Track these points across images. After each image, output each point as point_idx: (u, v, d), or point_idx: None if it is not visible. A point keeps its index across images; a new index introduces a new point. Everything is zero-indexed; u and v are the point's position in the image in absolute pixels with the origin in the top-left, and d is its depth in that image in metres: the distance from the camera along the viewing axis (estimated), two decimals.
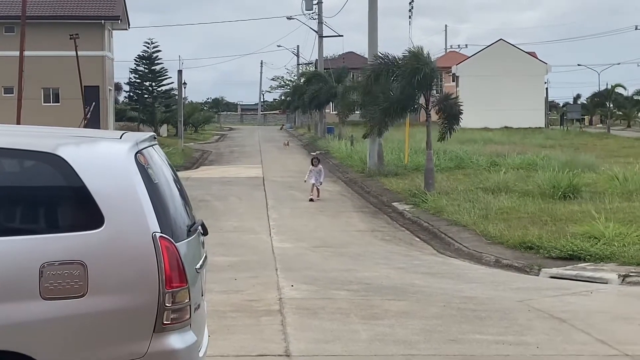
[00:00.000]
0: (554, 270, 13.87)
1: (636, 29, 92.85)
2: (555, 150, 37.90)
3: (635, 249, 14.45)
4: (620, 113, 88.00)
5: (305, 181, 25.41)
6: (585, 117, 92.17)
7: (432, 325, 9.84)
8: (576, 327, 9.86)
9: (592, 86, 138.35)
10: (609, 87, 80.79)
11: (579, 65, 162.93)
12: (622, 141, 52.07)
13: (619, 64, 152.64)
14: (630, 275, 13.14)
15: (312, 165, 25.74)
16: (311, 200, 24.32)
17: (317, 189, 24.98)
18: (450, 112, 24.24)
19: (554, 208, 19.38)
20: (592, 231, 15.62)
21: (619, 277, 13.10)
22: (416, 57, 23.77)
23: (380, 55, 25.64)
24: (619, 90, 79.69)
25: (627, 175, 24.25)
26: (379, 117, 24.58)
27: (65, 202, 5.20)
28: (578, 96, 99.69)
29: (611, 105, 78.06)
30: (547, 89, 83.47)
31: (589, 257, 14.41)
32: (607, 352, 8.86)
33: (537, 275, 13.86)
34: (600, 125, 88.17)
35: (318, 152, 46.32)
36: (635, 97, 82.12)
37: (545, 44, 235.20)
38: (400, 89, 24.17)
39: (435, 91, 24.71)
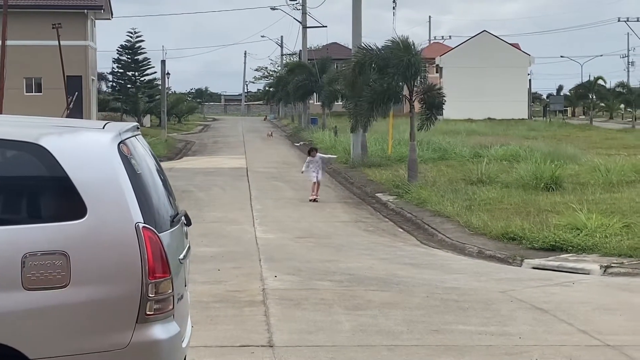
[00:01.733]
0: (537, 261, 13.93)
1: (619, 20, 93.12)
2: (538, 142, 38.02)
3: (617, 240, 14.52)
4: (603, 105, 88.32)
5: (302, 172, 23.07)
6: (568, 108, 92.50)
7: (415, 315, 9.87)
8: (558, 318, 9.91)
9: (575, 78, 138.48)
10: (592, 79, 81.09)
11: (562, 57, 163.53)
12: (605, 133, 52.33)
13: (601, 55, 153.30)
14: (612, 266, 13.21)
15: (310, 155, 22.83)
16: (315, 200, 21.88)
17: (318, 185, 22.27)
18: (433, 102, 24.24)
19: (537, 199, 19.45)
20: (575, 222, 15.68)
21: (600, 268, 13.17)
22: (406, 50, 23.68)
23: (365, 46, 25.55)
24: (602, 82, 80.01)
25: (610, 166, 24.36)
26: (365, 109, 24.37)
27: (48, 192, 5.18)
28: (561, 88, 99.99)
29: (594, 97, 78.36)
30: (530, 80, 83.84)
31: (571, 248, 14.47)
32: (589, 342, 8.91)
33: (520, 266, 13.92)
34: (583, 116, 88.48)
35: (301, 142, 46.28)
36: (618, 89, 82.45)
37: (528, 36, 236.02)
38: (384, 81, 24.16)
39: (419, 82, 24.60)
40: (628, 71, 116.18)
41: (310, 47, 71.53)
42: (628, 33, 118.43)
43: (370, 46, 25.08)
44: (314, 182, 22.33)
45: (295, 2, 64.89)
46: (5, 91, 30.59)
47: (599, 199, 19.11)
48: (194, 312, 8.07)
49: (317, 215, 20.02)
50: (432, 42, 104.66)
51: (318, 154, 23.08)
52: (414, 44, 24.44)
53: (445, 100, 24.46)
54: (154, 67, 63.72)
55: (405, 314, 9.92)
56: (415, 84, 24.41)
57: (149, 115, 65.51)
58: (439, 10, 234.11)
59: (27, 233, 5.00)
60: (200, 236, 15.31)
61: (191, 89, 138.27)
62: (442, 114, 24.76)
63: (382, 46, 24.83)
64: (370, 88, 24.44)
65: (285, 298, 10.73)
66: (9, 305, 4.93)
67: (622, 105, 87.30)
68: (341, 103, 35.75)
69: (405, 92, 24.95)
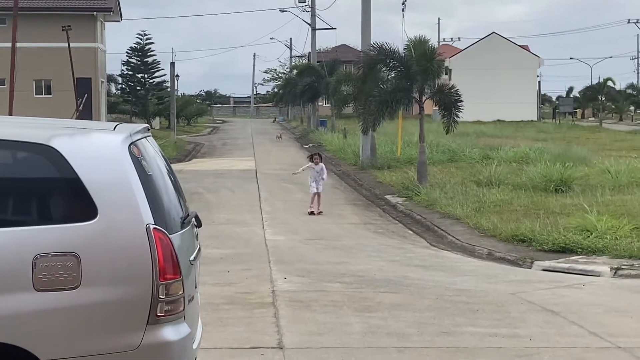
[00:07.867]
0: (547, 263, 13.90)
1: (629, 22, 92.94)
2: (548, 144, 37.93)
3: (627, 242, 14.48)
4: (613, 106, 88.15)
5: (294, 174, 22.66)
6: (578, 110, 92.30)
7: (425, 317, 9.85)
8: (569, 320, 9.88)
9: (584, 79, 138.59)
10: (601, 80, 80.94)
11: (571, 58, 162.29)
12: (614, 134, 52.20)
13: (611, 57, 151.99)
14: (622, 268, 13.17)
15: (312, 161, 20.91)
16: (311, 213, 20.06)
17: (319, 197, 20.37)
18: (450, 102, 24.16)
19: (547, 201, 19.40)
20: (584, 224, 15.64)
21: (611, 270, 13.13)
22: (424, 55, 23.64)
23: (377, 45, 25.23)
24: (611, 83, 79.88)
25: (619, 168, 24.30)
26: (374, 109, 24.31)
27: (59, 194, 5.18)
28: (570, 89, 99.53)
29: (603, 99, 78.20)
30: (539, 82, 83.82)
31: (581, 250, 14.43)
32: (600, 345, 8.88)
33: (530, 268, 13.88)
34: (592, 118, 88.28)
35: (311, 144, 46.28)
36: (627, 91, 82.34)
37: (537, 38, 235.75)
38: (395, 82, 24.18)
39: (430, 84, 24.50)
40: (638, 73, 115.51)
41: (320, 49, 71.63)
42: (638, 34, 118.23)
43: (382, 45, 24.80)
44: (314, 193, 20.36)
45: (305, 4, 64.98)
46: (15, 93, 30.69)
47: (609, 201, 19.05)
48: (204, 313, 8.07)
49: (326, 217, 20.00)
50: (441, 44, 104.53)
51: (322, 164, 20.91)
52: (433, 48, 24.57)
53: (461, 99, 24.25)
54: (163, 69, 63.90)
55: (416, 316, 9.90)
56: (427, 85, 24.34)
57: (158, 118, 65.65)
58: (443, 14, 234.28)
59: (38, 234, 5.00)
60: (210, 238, 15.32)
61: (200, 91, 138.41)
62: (458, 116, 24.29)
63: (404, 49, 24.74)
64: (380, 88, 24.40)
65: (295, 300, 10.73)
66: (20, 306, 4.93)
67: (632, 107, 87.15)
68: (351, 105, 35.63)
69: (415, 93, 24.86)
